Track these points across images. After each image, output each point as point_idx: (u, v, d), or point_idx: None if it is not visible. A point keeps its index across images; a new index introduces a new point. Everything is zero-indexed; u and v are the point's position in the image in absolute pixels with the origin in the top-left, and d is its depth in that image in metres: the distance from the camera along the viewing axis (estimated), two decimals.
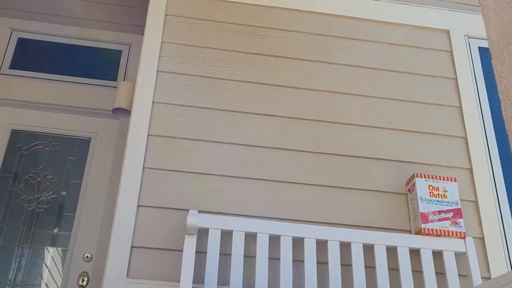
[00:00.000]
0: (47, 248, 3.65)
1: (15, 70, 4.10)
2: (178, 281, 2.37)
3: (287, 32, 3.21)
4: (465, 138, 3.06)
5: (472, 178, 2.96)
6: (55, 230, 3.71)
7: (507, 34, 0.88)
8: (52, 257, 3.64)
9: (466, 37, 3.38)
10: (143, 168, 2.70)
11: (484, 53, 3.32)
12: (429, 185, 2.78)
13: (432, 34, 3.37)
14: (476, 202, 2.89)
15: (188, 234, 2.43)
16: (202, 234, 2.50)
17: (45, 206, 3.75)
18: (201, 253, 2.46)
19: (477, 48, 3.36)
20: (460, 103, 3.16)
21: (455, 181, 2.82)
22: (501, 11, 0.91)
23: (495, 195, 2.94)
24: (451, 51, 3.32)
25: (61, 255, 3.63)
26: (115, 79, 4.16)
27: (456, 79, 3.24)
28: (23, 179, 3.81)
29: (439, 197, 2.76)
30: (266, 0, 3.28)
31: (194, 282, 2.37)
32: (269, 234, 2.54)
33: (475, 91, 3.22)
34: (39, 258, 3.64)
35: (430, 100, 3.15)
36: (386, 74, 3.19)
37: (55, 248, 3.66)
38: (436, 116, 3.11)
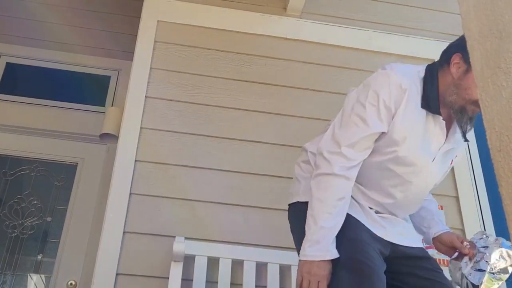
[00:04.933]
0: (30, 275, 3.59)
1: (3, 95, 4.09)
2: None
3: (275, 60, 3.24)
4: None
5: (459, 205, 2.97)
6: (39, 257, 3.65)
7: (491, 64, 0.90)
8: (35, 284, 3.58)
9: None
10: (130, 194, 2.68)
11: None
12: None
13: (419, 64, 3.41)
14: (462, 230, 2.90)
15: (174, 261, 2.41)
16: (189, 261, 2.47)
17: (29, 232, 3.70)
18: (187, 280, 2.44)
19: None
20: None
21: (441, 208, 2.83)
22: (485, 42, 0.93)
23: (481, 222, 2.96)
24: None
25: (45, 282, 3.57)
26: (103, 105, 4.16)
27: None
28: (7, 204, 3.77)
29: None
30: (254, 28, 3.32)
31: None
32: (256, 262, 2.52)
33: None
34: (22, 286, 3.58)
35: None
36: None
37: (38, 275, 3.60)
38: None
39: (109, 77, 4.31)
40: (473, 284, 1.84)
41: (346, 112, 1.90)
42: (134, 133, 2.84)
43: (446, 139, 1.89)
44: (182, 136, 2.90)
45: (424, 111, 1.85)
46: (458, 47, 1.89)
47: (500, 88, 0.88)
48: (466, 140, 1.93)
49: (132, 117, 2.89)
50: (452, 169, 3.07)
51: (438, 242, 2.02)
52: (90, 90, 4.27)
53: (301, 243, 1.79)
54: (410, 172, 1.87)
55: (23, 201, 3.80)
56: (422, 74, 1.92)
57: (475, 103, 1.77)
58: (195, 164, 2.83)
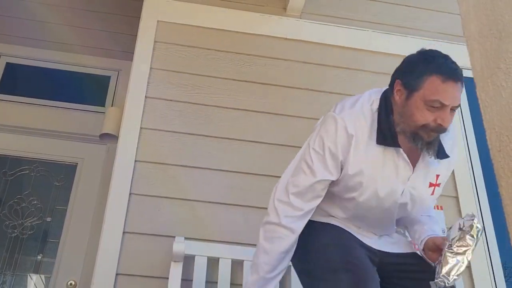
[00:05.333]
0: (30, 275, 3.59)
1: (3, 95, 4.09)
2: None
3: (275, 60, 3.24)
4: None
5: (458, 206, 2.97)
6: (39, 257, 3.65)
7: (491, 64, 0.90)
8: (35, 284, 3.58)
9: None
10: (130, 194, 2.68)
11: (469, 82, 3.36)
12: None
13: None
14: None
15: (174, 261, 2.41)
16: (189, 261, 2.47)
17: (29, 232, 3.70)
18: (187, 280, 2.43)
19: None
20: None
21: (441, 209, 2.83)
22: (484, 42, 0.93)
23: (481, 223, 2.95)
24: None
25: (45, 282, 3.57)
26: (103, 105, 4.16)
27: None
28: (7, 204, 3.76)
29: None
30: (254, 28, 3.32)
31: None
32: None
33: (460, 120, 3.26)
34: (22, 286, 3.58)
35: None
36: None
37: (38, 275, 3.60)
38: None
39: (109, 77, 4.30)
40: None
41: (298, 157, 1.91)
42: (134, 133, 2.84)
43: (414, 167, 1.83)
44: (182, 136, 2.89)
45: (382, 148, 1.80)
46: (399, 73, 1.87)
47: (500, 88, 0.88)
48: (443, 157, 1.85)
49: (132, 117, 2.89)
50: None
51: (426, 248, 1.84)
52: (90, 90, 4.26)
53: (300, 261, 1.84)
54: (376, 212, 1.85)
55: (23, 201, 3.80)
56: (376, 105, 1.86)
57: (424, 127, 1.72)
58: (195, 164, 2.83)
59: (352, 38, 3.42)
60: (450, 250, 1.68)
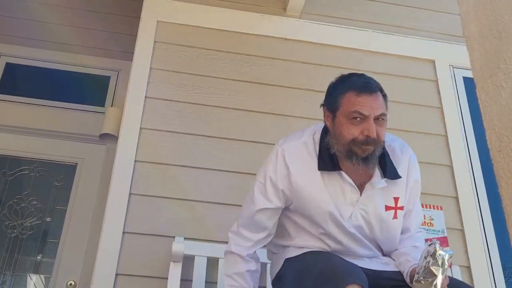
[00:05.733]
0: (29, 275, 3.59)
1: (2, 95, 4.09)
2: None
3: (275, 60, 3.24)
4: (451, 167, 3.08)
5: (458, 206, 2.97)
6: (39, 257, 3.65)
7: (490, 64, 0.90)
8: (34, 284, 3.58)
9: (451, 67, 3.43)
10: (130, 194, 2.68)
11: (469, 83, 3.37)
12: None
13: (417, 64, 3.42)
14: (462, 231, 2.90)
15: (174, 261, 2.41)
16: (188, 261, 2.47)
17: (29, 232, 3.70)
18: (186, 280, 2.43)
19: (462, 78, 3.41)
20: (446, 132, 3.19)
21: (441, 209, 2.83)
22: (484, 42, 0.93)
23: (481, 223, 2.95)
24: (436, 81, 3.37)
25: (44, 283, 3.57)
26: (103, 105, 4.16)
27: (441, 108, 3.27)
28: (7, 204, 3.76)
29: (425, 225, 2.77)
30: (254, 28, 3.32)
31: None
32: None
33: (460, 120, 3.26)
34: (22, 286, 3.58)
35: (416, 128, 3.18)
36: None
37: (38, 275, 3.60)
38: (422, 145, 3.13)
39: (108, 77, 4.30)
40: None
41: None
42: (134, 133, 2.84)
43: (363, 188, 1.87)
44: (181, 136, 2.89)
45: (323, 174, 1.85)
46: (324, 100, 1.97)
47: (500, 88, 0.88)
48: (393, 177, 1.88)
49: (131, 117, 2.89)
50: (452, 169, 3.07)
51: (411, 280, 1.75)
52: (89, 90, 4.26)
53: None
54: (343, 237, 1.87)
55: (22, 201, 3.79)
56: (318, 135, 1.94)
57: (354, 142, 1.78)
58: (194, 164, 2.83)
59: (351, 38, 3.42)
60: (418, 283, 1.62)
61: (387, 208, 1.89)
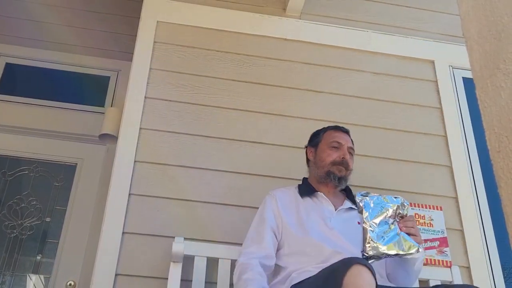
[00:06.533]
0: (29, 276, 3.59)
1: (2, 95, 4.09)
2: None
3: (275, 61, 3.24)
4: (450, 167, 3.09)
5: (458, 206, 2.97)
6: (38, 257, 3.65)
7: (490, 65, 0.90)
8: (34, 284, 3.58)
9: (451, 67, 3.44)
10: (129, 194, 2.68)
11: (468, 83, 3.38)
12: (415, 214, 2.79)
13: (417, 65, 3.42)
14: (461, 231, 2.90)
15: (174, 261, 2.41)
16: (188, 261, 2.47)
17: (29, 232, 3.70)
18: (186, 281, 2.43)
19: (461, 79, 3.41)
20: (445, 132, 3.19)
21: (440, 209, 2.83)
22: (484, 43, 0.93)
23: (481, 224, 2.95)
24: (436, 81, 3.37)
25: (44, 283, 3.57)
26: (102, 105, 4.16)
27: (441, 108, 3.27)
28: (7, 204, 3.76)
29: (425, 225, 2.77)
30: (254, 28, 3.32)
31: None
32: None
33: (459, 120, 3.26)
34: (21, 286, 3.58)
35: (415, 129, 3.18)
36: (372, 103, 3.22)
37: (37, 276, 3.60)
38: (422, 145, 3.14)
39: (108, 78, 4.31)
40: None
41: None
42: (134, 133, 2.84)
43: (339, 203, 2.35)
44: (181, 137, 2.89)
45: (307, 199, 2.34)
46: (308, 142, 2.55)
47: (499, 89, 0.88)
48: (354, 204, 2.28)
49: (131, 117, 2.89)
50: (451, 170, 3.07)
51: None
52: (89, 91, 4.26)
53: None
54: (330, 252, 2.10)
55: (22, 201, 3.79)
56: (300, 182, 2.49)
57: (333, 163, 2.34)
58: (194, 165, 2.83)
59: (351, 39, 3.42)
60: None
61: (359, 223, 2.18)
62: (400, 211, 1.99)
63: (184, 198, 2.73)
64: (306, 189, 2.39)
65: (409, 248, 1.90)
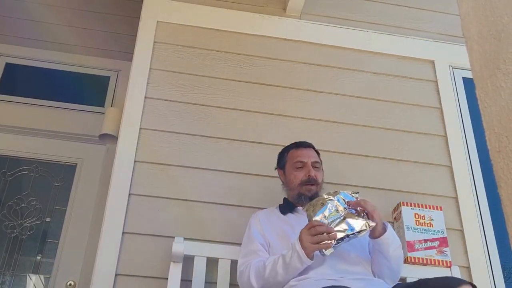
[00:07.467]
0: (29, 276, 3.59)
1: (2, 95, 4.09)
2: None
3: (275, 61, 3.24)
4: (450, 167, 3.09)
5: (458, 206, 2.97)
6: (38, 257, 3.65)
7: (490, 65, 0.90)
8: (34, 284, 3.58)
9: (451, 67, 3.44)
10: (129, 194, 2.68)
11: (468, 83, 3.38)
12: (415, 214, 2.78)
13: (417, 65, 3.42)
14: (461, 231, 2.90)
15: (174, 261, 2.41)
16: (188, 261, 2.47)
17: (29, 233, 3.70)
18: (186, 281, 2.44)
19: (461, 79, 3.41)
20: (445, 132, 3.20)
21: (440, 209, 2.83)
22: (484, 43, 0.93)
23: (481, 224, 2.95)
24: (436, 81, 3.37)
25: (44, 283, 3.57)
26: (102, 105, 4.16)
27: (441, 108, 3.27)
28: (6, 204, 3.76)
29: (425, 225, 2.77)
30: (254, 29, 3.32)
31: None
32: None
33: (459, 120, 3.26)
34: (21, 286, 3.58)
35: (415, 129, 3.18)
36: (372, 103, 3.22)
37: (37, 276, 3.60)
38: (422, 145, 3.14)
39: (108, 78, 4.30)
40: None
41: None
42: (134, 133, 2.84)
43: None
44: (181, 137, 2.89)
45: (289, 215, 2.38)
46: (276, 164, 2.59)
47: (499, 89, 0.88)
48: None
49: (131, 117, 2.89)
50: (451, 170, 3.08)
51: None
52: (89, 91, 4.26)
53: None
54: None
55: (22, 201, 3.79)
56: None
57: (301, 184, 2.37)
58: (194, 165, 2.83)
59: (351, 39, 3.42)
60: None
61: None
62: (349, 199, 2.07)
63: (184, 198, 2.73)
64: (287, 206, 2.43)
65: (360, 227, 1.98)
